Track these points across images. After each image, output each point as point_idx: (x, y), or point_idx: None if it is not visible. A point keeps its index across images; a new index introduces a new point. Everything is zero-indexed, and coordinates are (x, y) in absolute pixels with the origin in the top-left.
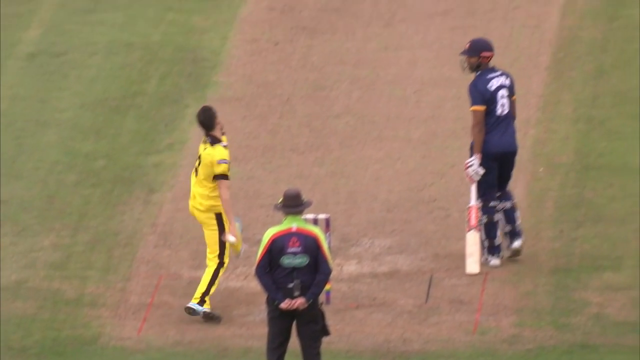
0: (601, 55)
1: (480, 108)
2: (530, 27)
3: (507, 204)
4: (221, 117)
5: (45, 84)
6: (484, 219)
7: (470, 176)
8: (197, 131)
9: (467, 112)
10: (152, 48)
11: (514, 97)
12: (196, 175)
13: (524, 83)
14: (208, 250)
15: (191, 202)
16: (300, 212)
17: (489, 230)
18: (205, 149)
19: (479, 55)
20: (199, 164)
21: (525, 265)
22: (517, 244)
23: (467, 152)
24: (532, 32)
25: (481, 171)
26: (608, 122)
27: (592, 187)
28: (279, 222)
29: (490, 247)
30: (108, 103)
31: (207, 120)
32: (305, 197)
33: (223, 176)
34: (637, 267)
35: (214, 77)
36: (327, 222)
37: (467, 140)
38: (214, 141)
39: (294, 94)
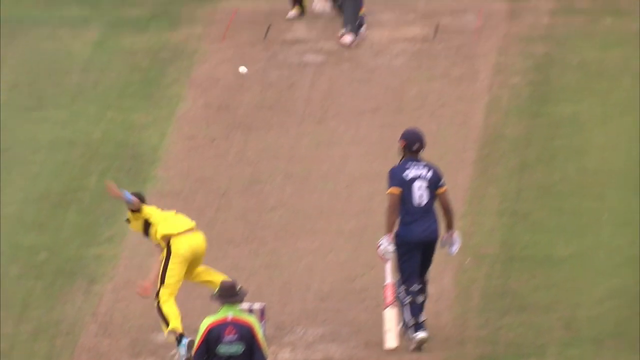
0: (525, 151)
1: (395, 191)
2: (456, 125)
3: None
4: None
5: None
6: (407, 300)
7: (382, 255)
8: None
9: None
10: (93, 145)
11: (443, 190)
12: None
13: (451, 177)
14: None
15: (196, 239)
16: (235, 302)
17: (413, 309)
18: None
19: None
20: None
21: (452, 353)
22: (422, 335)
23: None
24: (458, 129)
25: (391, 249)
26: (531, 215)
27: (516, 278)
28: (215, 312)
29: (416, 324)
30: (50, 198)
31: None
32: (240, 287)
33: None
34: (561, 355)
35: (153, 172)
36: (262, 311)
37: None
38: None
39: (230, 188)
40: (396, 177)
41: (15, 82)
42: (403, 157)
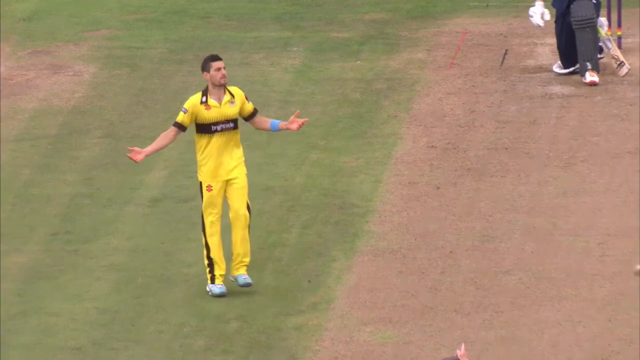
0: None
1: None
2: None
3: None
4: (373, 271)
5: (170, 233)
6: None
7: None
8: (346, 289)
9: None
10: (294, 192)
11: None
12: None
13: None
14: (240, 205)
15: (222, 174)
16: None
17: None
18: (226, 99)
19: None
20: (220, 126)
21: None
22: None
23: None
24: None
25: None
26: None
27: None
28: None
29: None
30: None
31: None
32: None
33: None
34: None
35: (365, 226)
36: None
37: None
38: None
39: (458, 245)
40: None
41: None
42: None
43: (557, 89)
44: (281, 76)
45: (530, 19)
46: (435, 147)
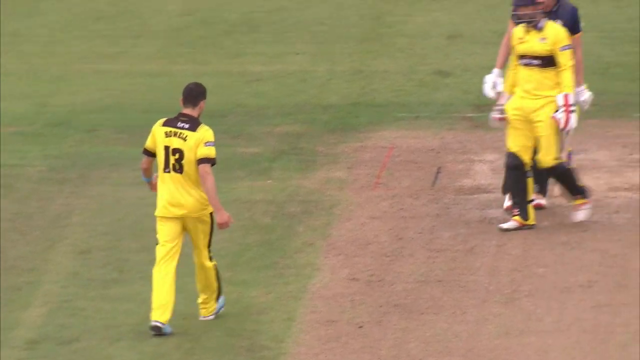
0: None
1: None
2: None
3: None
4: None
5: None
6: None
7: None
8: None
9: None
10: (194, 332)
11: None
12: (180, 171)
13: None
14: (200, 253)
15: (175, 210)
16: None
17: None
18: (184, 135)
19: None
20: (178, 158)
21: None
22: None
23: None
24: None
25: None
26: None
27: None
28: None
29: None
30: None
31: (195, 92)
32: None
33: (210, 160)
34: None
35: None
36: None
37: None
38: (194, 124)
39: None
40: None
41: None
42: None
43: (497, 212)
44: None
45: (484, 85)
46: (358, 279)
